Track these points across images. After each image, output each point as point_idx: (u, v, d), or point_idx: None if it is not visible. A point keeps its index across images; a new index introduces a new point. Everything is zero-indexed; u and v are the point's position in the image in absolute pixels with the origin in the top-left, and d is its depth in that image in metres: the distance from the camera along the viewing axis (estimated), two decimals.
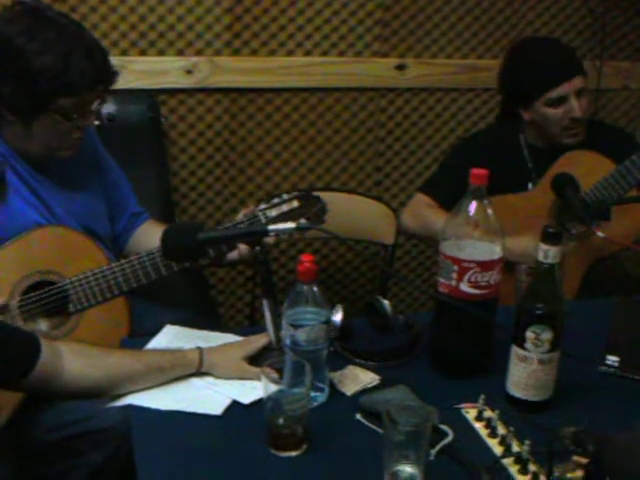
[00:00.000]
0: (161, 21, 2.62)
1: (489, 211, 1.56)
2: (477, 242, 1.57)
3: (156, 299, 2.07)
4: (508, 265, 1.59)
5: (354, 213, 2.58)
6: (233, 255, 1.87)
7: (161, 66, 2.66)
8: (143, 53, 2.63)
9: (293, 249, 3.06)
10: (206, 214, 2.90)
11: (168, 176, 2.72)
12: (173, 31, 2.64)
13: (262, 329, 1.64)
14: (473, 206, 1.56)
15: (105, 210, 2.03)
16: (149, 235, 2.04)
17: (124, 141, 2.44)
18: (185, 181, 2.84)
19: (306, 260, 1.48)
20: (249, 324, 2.89)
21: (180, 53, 2.67)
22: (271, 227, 1.58)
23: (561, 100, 2.28)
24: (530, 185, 2.36)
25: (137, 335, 1.83)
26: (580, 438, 1.06)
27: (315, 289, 1.50)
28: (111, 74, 1.81)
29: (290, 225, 1.58)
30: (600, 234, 2.04)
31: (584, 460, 1.32)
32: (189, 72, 2.68)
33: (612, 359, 1.69)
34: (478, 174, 1.55)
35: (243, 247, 1.84)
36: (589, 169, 2.25)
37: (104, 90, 1.82)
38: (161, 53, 2.65)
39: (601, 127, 2.49)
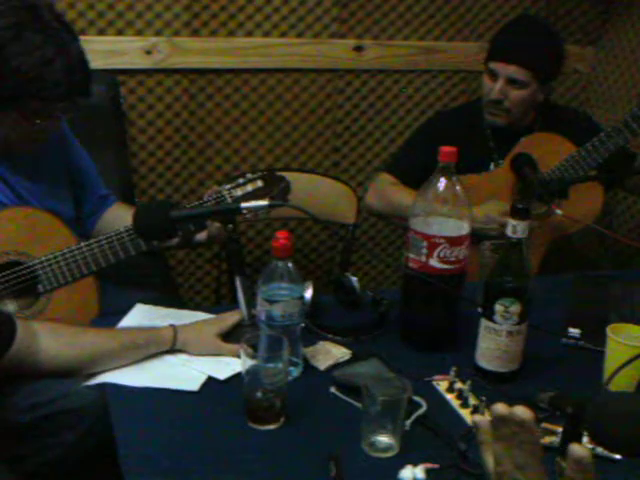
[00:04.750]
0: (120, 0, 2.60)
1: (458, 188, 1.60)
2: (446, 218, 1.61)
3: (121, 280, 2.07)
4: (472, 242, 1.64)
5: (315, 193, 2.60)
6: (201, 236, 1.88)
7: (120, 46, 2.63)
8: (101, 32, 2.61)
9: (251, 230, 3.07)
10: (165, 195, 2.89)
11: (127, 157, 2.70)
12: (132, 11, 2.62)
13: (228, 307, 1.67)
14: (442, 183, 1.60)
15: (69, 193, 2.02)
16: (117, 217, 2.04)
17: (83, 122, 2.41)
18: (144, 162, 2.83)
19: (282, 236, 1.50)
20: (214, 303, 2.89)
21: (139, 33, 2.65)
22: (244, 204, 1.59)
23: (495, 75, 2.34)
24: (492, 165, 2.42)
25: (106, 315, 1.83)
26: (558, 401, 1.11)
27: (290, 265, 1.52)
28: (86, 93, 1.80)
29: (263, 202, 1.60)
30: (559, 212, 2.10)
31: (553, 427, 1.38)
32: (148, 52, 2.67)
33: (574, 331, 1.75)
34: (447, 151, 1.58)
35: (212, 227, 1.85)
36: (550, 151, 2.30)
37: (74, 104, 1.80)
38: (120, 33, 2.63)
39: (563, 111, 2.56)
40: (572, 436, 1.05)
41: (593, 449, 1.32)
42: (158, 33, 2.67)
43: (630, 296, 1.96)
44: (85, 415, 1.63)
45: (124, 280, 2.08)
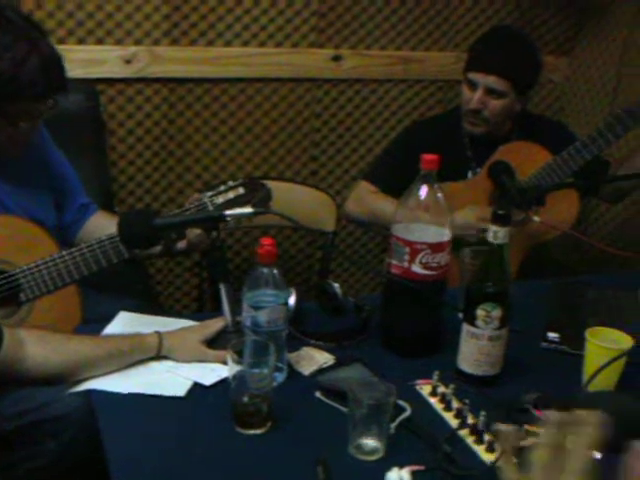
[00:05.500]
0: (99, 10, 2.60)
1: (439, 195, 1.63)
2: (427, 225, 1.63)
3: (102, 289, 2.07)
4: (451, 248, 1.66)
5: (294, 201, 2.62)
6: (182, 244, 1.88)
7: (100, 55, 2.64)
8: (81, 42, 2.61)
9: (230, 239, 3.08)
10: (144, 204, 2.89)
11: (107, 166, 2.70)
12: (111, 20, 2.63)
13: (211, 315, 1.70)
14: (424, 190, 1.62)
15: (52, 201, 2.02)
16: (99, 226, 2.05)
17: (62, 130, 2.41)
18: (123, 171, 2.83)
19: (266, 243, 1.51)
20: (195, 310, 2.90)
21: (119, 42, 2.66)
22: (228, 212, 1.61)
23: (474, 85, 2.38)
24: (470, 174, 2.45)
25: (89, 323, 1.83)
26: (543, 402, 1.13)
27: (275, 271, 1.54)
28: (64, 88, 1.79)
29: (247, 210, 1.62)
30: (536, 219, 2.14)
31: (535, 428, 1.40)
32: (128, 62, 2.67)
33: (552, 335, 1.79)
34: (429, 159, 1.60)
35: (192, 235, 1.86)
36: (527, 159, 2.34)
37: (54, 101, 1.80)
38: (99, 42, 2.63)
39: (539, 120, 2.61)
40: None
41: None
42: (138, 42, 2.68)
43: (606, 301, 2.00)
44: (68, 423, 1.62)
45: (105, 288, 2.09)
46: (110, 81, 2.69)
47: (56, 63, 1.76)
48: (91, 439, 1.48)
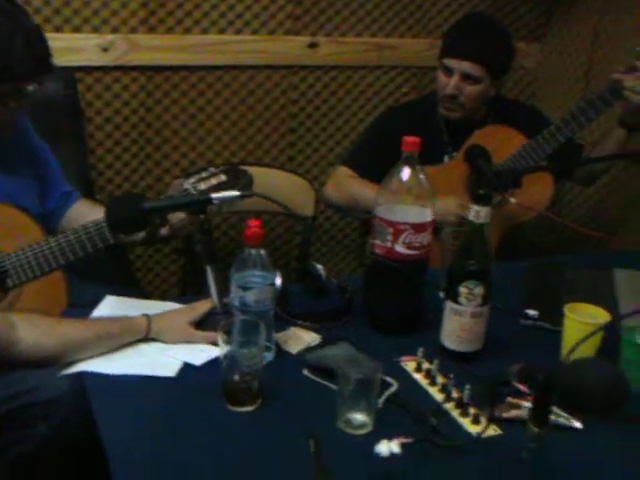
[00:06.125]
0: None
1: (421, 176, 1.67)
2: (410, 206, 1.67)
3: (86, 276, 2.09)
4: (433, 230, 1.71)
5: (273, 187, 2.62)
6: (164, 230, 1.90)
7: (77, 43, 2.64)
8: (58, 30, 2.61)
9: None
10: (122, 191, 2.90)
11: (86, 154, 2.71)
12: (88, 8, 2.63)
13: (195, 298, 1.73)
14: (406, 172, 1.66)
15: (36, 189, 2.03)
16: (81, 214, 2.06)
17: (41, 118, 2.42)
18: (102, 159, 2.84)
19: (254, 225, 1.55)
20: (176, 296, 2.91)
21: (96, 30, 2.66)
22: (215, 195, 1.64)
23: (449, 71, 2.42)
24: (446, 158, 2.50)
25: (75, 307, 1.85)
26: (528, 372, 1.18)
27: (262, 252, 1.57)
28: (50, 67, 1.81)
29: (234, 193, 1.65)
30: (513, 200, 2.19)
31: (519, 401, 1.45)
32: (105, 50, 2.68)
33: (531, 312, 1.83)
34: (410, 141, 1.64)
35: (175, 220, 1.88)
36: (502, 143, 2.39)
37: (41, 81, 1.81)
38: (77, 30, 2.63)
39: (513, 104, 2.66)
40: (543, 402, 1.12)
41: (555, 420, 1.40)
42: (115, 30, 2.69)
43: (582, 280, 2.05)
44: (57, 407, 1.64)
45: (88, 276, 2.10)
46: (88, 69, 2.69)
47: (41, 41, 1.78)
48: (81, 421, 1.51)
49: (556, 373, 1.05)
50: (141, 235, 1.88)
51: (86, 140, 2.73)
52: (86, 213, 2.03)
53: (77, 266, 1.91)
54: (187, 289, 2.75)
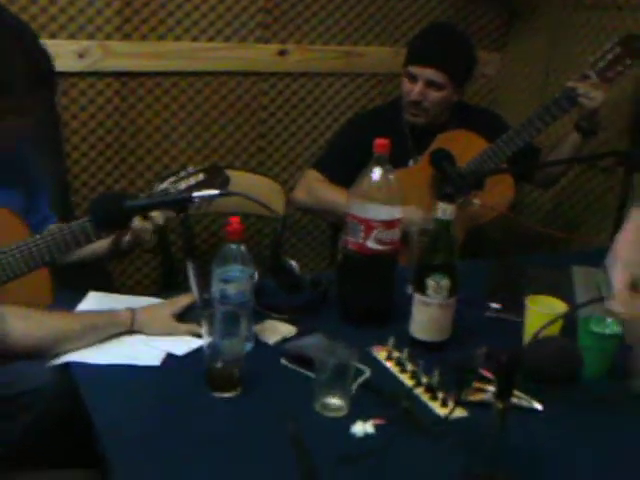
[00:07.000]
0: (52, 4, 2.67)
1: (390, 176, 1.77)
2: (380, 204, 1.77)
3: (62, 279, 2.14)
4: None
5: (245, 188, 2.70)
6: (128, 237, 1.90)
7: (53, 49, 2.62)
8: None
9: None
10: (98, 194, 2.96)
11: (63, 158, 2.77)
12: (64, 14, 2.69)
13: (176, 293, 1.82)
14: (377, 172, 1.76)
15: (21, 189, 2.07)
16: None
17: None
18: (77, 162, 2.90)
19: (234, 221, 1.63)
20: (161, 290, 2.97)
21: (72, 37, 2.73)
22: (196, 194, 1.72)
23: (414, 78, 2.53)
24: (411, 162, 2.60)
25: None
26: (493, 353, 1.27)
27: (242, 248, 1.65)
28: (52, 82, 1.82)
29: (214, 192, 1.73)
30: (477, 202, 2.30)
31: (484, 385, 1.55)
32: (81, 56, 2.74)
33: (495, 305, 1.94)
34: (381, 143, 1.75)
35: (137, 226, 1.87)
36: (464, 147, 2.50)
37: (45, 93, 1.82)
38: (53, 36, 2.70)
39: (475, 110, 2.77)
40: (507, 381, 1.22)
41: (518, 402, 1.51)
42: (90, 37, 2.75)
43: (543, 277, 2.15)
44: (40, 397, 1.69)
45: (63, 279, 2.14)
46: (64, 75, 2.75)
47: (42, 54, 1.80)
48: (63, 410, 1.58)
49: (518, 349, 1.15)
50: (105, 247, 1.95)
51: (63, 144, 2.79)
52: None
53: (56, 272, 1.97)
54: (163, 289, 2.81)
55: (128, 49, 2.82)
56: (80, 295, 1.95)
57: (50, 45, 2.60)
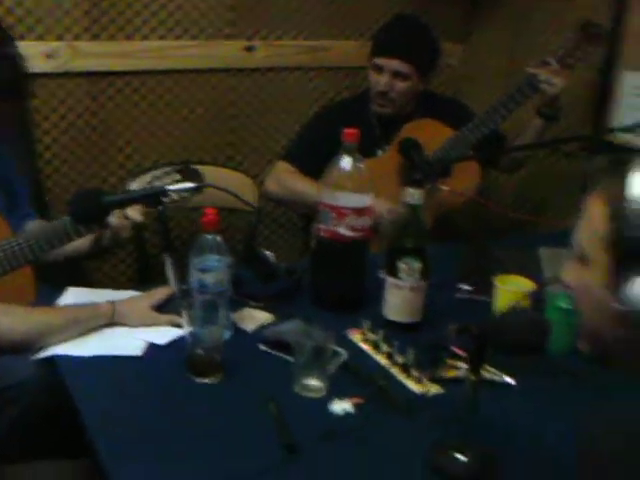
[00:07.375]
0: (19, 5, 2.68)
1: (360, 165, 1.82)
2: (351, 192, 1.82)
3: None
4: None
5: (217, 183, 2.76)
6: (107, 233, 1.96)
7: (22, 51, 2.71)
8: None
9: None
10: (70, 194, 2.98)
11: (35, 158, 2.79)
12: (32, 16, 2.70)
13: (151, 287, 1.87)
14: (346, 161, 1.81)
15: (2, 201, 2.10)
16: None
17: None
18: (49, 162, 2.91)
19: (210, 212, 1.68)
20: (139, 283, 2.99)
21: (40, 38, 2.74)
22: (171, 187, 1.77)
23: (380, 70, 2.59)
24: (379, 152, 2.66)
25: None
26: (465, 328, 1.33)
27: (218, 238, 1.70)
28: (26, 89, 1.85)
29: (189, 184, 1.78)
30: (445, 188, 2.36)
31: (457, 362, 1.62)
32: (50, 57, 2.76)
33: (466, 287, 2.01)
34: (350, 133, 1.81)
35: (114, 222, 1.92)
36: (431, 135, 2.56)
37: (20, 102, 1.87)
38: (21, 38, 2.70)
39: (440, 99, 2.83)
40: (479, 353, 1.28)
41: (490, 377, 1.57)
42: (59, 38, 2.77)
43: (511, 258, 2.22)
44: (24, 391, 1.73)
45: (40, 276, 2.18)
46: (33, 76, 2.77)
47: (19, 64, 1.83)
48: (49, 402, 1.62)
49: (489, 320, 1.21)
50: (85, 245, 1.99)
51: (34, 145, 2.81)
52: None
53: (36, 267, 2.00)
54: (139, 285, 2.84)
55: (97, 49, 2.84)
56: (58, 291, 1.98)
57: (19, 46, 2.68)
